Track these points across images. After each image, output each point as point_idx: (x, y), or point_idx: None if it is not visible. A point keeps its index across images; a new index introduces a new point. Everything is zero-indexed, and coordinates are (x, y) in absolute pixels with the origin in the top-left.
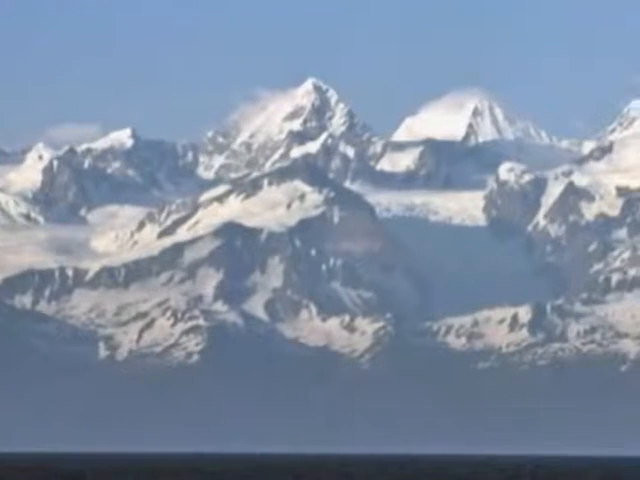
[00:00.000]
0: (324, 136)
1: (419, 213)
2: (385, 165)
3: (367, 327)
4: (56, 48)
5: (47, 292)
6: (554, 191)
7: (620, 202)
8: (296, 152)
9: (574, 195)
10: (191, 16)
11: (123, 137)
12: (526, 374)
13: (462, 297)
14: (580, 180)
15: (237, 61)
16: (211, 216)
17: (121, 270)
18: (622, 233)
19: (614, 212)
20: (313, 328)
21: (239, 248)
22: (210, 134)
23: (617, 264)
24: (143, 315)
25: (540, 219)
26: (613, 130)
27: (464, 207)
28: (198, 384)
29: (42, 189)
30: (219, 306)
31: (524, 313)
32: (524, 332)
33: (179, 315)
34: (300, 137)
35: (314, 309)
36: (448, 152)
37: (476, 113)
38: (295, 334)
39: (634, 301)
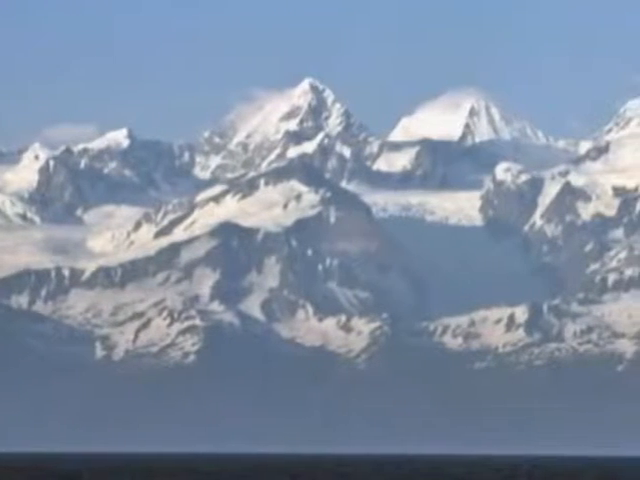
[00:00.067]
0: (320, 136)
1: (415, 213)
2: (381, 165)
3: (363, 327)
4: (53, 48)
5: (43, 292)
6: (551, 191)
7: (616, 202)
8: (292, 152)
9: (571, 195)
10: (187, 16)
11: (119, 137)
12: (523, 374)
13: (458, 297)
14: (577, 180)
15: (233, 61)
16: (207, 216)
17: (117, 270)
18: (618, 233)
19: (610, 212)
20: (309, 328)
21: (235, 248)
22: (206, 134)
23: (614, 264)
24: (139, 315)
25: (537, 219)
26: (609, 130)
27: (460, 207)
28: (194, 384)
29: (38, 189)
30: (215, 306)
31: (521, 313)
32: (520, 332)
33: (175, 315)
34: (296, 137)
35: (310, 309)
36: (444, 152)
37: (472, 113)
38: (291, 334)
39: (630, 301)
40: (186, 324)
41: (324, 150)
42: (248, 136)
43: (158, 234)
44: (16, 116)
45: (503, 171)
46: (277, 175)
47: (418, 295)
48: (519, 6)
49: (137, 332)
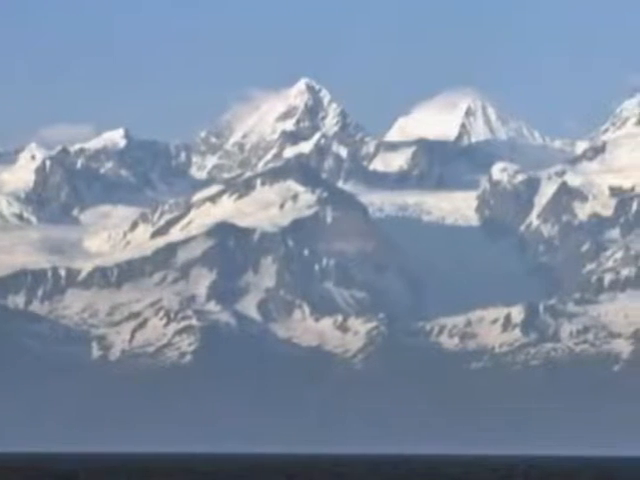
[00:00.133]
0: (317, 136)
1: (412, 213)
2: (378, 165)
3: (360, 327)
4: (49, 49)
5: (40, 292)
6: (547, 191)
7: (613, 202)
8: (289, 152)
9: (567, 195)
10: (184, 17)
11: (116, 137)
12: (519, 374)
13: (455, 297)
14: (573, 180)
15: (230, 61)
16: (204, 216)
17: (114, 270)
18: (615, 233)
19: (607, 212)
20: (306, 328)
21: (232, 248)
22: (203, 134)
23: (610, 264)
24: (136, 315)
25: (533, 219)
26: (606, 130)
27: (457, 207)
28: (191, 384)
29: (35, 189)
30: (212, 306)
31: (517, 313)
32: (517, 332)
33: (172, 315)
34: (293, 137)
35: (307, 309)
36: (441, 152)
37: (469, 113)
38: (288, 334)
39: (627, 301)
40: (182, 324)
41: (320, 150)
42: (244, 136)
43: (154, 234)
44: (12, 116)
45: (499, 171)
46: (273, 175)
47: (415, 295)
48: (516, 7)
49: (133, 332)
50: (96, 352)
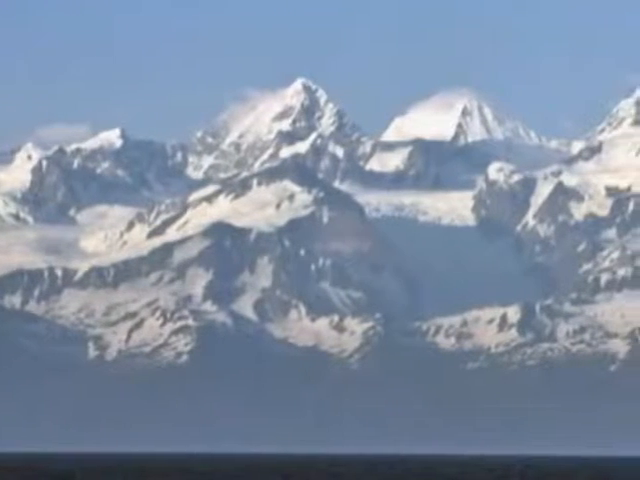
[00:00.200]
0: (313, 136)
1: (408, 213)
2: (374, 165)
3: (356, 327)
4: (46, 49)
5: (36, 292)
6: (543, 191)
7: (609, 202)
8: (285, 152)
9: (563, 195)
10: (181, 17)
11: (112, 137)
12: (515, 374)
13: (451, 297)
14: (569, 180)
15: (226, 61)
16: (200, 216)
17: (110, 270)
18: (611, 233)
19: (603, 212)
20: (302, 328)
21: (228, 248)
22: (199, 134)
23: (606, 264)
24: (132, 315)
25: (529, 219)
26: (602, 130)
27: (453, 207)
28: (187, 384)
29: (31, 189)
30: (208, 306)
31: (513, 313)
32: (513, 332)
33: (168, 315)
34: (289, 137)
35: (303, 309)
36: (437, 152)
37: (465, 113)
38: (284, 334)
39: (623, 301)
40: (179, 324)
41: (317, 150)
42: (241, 136)
43: (151, 234)
44: (9, 116)
45: (496, 171)
46: (270, 175)
47: (411, 295)
48: (513, 7)
49: (130, 332)
50: (92, 352)
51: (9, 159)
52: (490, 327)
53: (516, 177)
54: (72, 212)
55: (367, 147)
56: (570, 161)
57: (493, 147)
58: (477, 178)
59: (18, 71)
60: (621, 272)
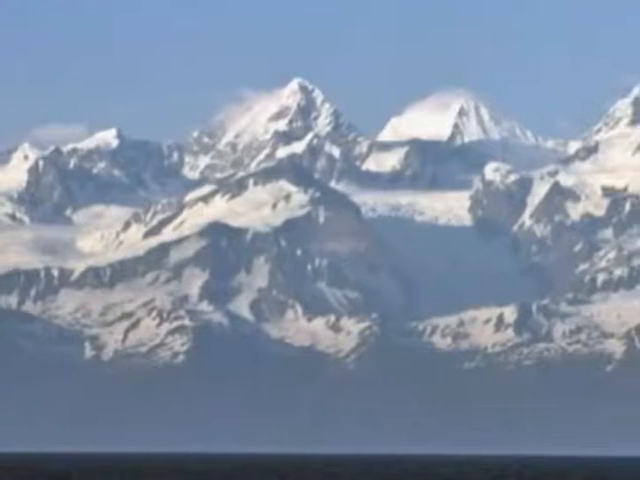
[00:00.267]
0: (310, 136)
1: (405, 213)
2: (371, 165)
3: (353, 327)
4: (42, 49)
5: (33, 292)
6: (540, 191)
7: (606, 202)
8: (282, 152)
9: (560, 195)
10: (177, 17)
11: (109, 137)
12: (512, 374)
13: (448, 297)
14: (566, 180)
15: (222, 61)
16: (196, 216)
17: (107, 270)
18: (608, 233)
19: (600, 212)
20: (298, 328)
21: (224, 248)
22: (195, 134)
23: (603, 264)
24: (129, 315)
25: (526, 219)
26: (599, 130)
27: (450, 207)
28: (183, 384)
29: (28, 189)
30: (204, 306)
31: (510, 313)
32: (510, 332)
33: (164, 315)
34: (286, 137)
35: (299, 309)
36: (434, 152)
37: (462, 113)
38: (280, 334)
39: (620, 301)
40: (175, 324)
41: (313, 150)
42: (237, 136)
43: (147, 234)
44: (5, 116)
45: (492, 171)
46: (266, 175)
47: (407, 295)
48: (509, 7)
49: (126, 332)
50: (89, 352)
51: (5, 159)
52: (487, 327)
53: (512, 177)
54: (68, 212)
55: (363, 147)
56: (566, 161)
57: (489, 147)
58: (474, 178)
59: (14, 71)
60: (617, 272)
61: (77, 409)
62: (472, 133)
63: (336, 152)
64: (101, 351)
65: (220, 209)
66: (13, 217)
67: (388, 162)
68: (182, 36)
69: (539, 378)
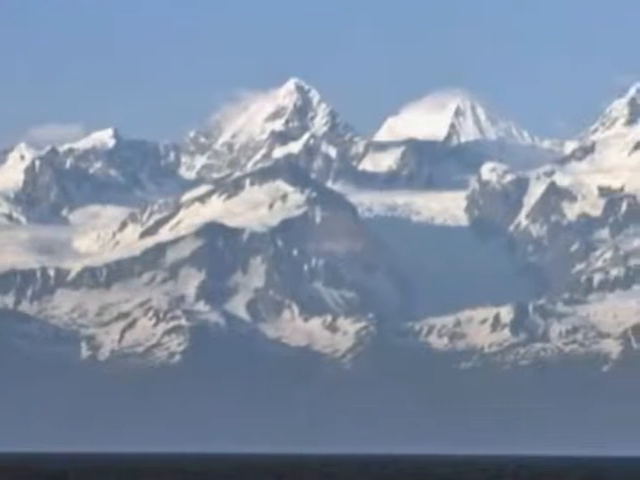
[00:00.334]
0: (306, 136)
1: (401, 213)
2: (367, 165)
3: (349, 327)
4: (39, 49)
5: (29, 292)
6: (536, 191)
7: (602, 202)
8: (278, 152)
9: (556, 195)
10: (174, 18)
11: (105, 137)
12: (508, 374)
13: (444, 297)
14: (562, 180)
15: (219, 62)
16: (193, 216)
17: (103, 270)
18: (604, 233)
19: (596, 212)
20: (295, 328)
21: (221, 248)
22: (192, 134)
23: (599, 264)
24: (125, 315)
25: (522, 219)
26: (595, 130)
27: (446, 207)
28: (180, 384)
29: (24, 189)
30: (201, 306)
31: (506, 313)
32: (506, 332)
33: (161, 315)
34: (282, 137)
35: (296, 309)
36: (430, 152)
37: (458, 113)
38: (277, 334)
39: (616, 301)
40: (172, 324)
41: (310, 150)
42: (233, 136)
43: (144, 234)
44: (1, 116)
45: (488, 171)
46: (263, 175)
47: (404, 295)
48: (506, 8)
49: (123, 332)
50: (85, 352)
51: (2, 159)
52: (483, 327)
53: (509, 177)
54: (65, 212)
55: (360, 147)
56: (563, 161)
57: (486, 147)
58: (470, 178)
59: (10, 71)
60: (614, 272)
61: (73, 409)
62: (468, 133)
63: (332, 152)
64: (97, 351)
65: (216, 209)
66: (9, 217)
67: (384, 162)
68: (178, 36)
69: (535, 378)
